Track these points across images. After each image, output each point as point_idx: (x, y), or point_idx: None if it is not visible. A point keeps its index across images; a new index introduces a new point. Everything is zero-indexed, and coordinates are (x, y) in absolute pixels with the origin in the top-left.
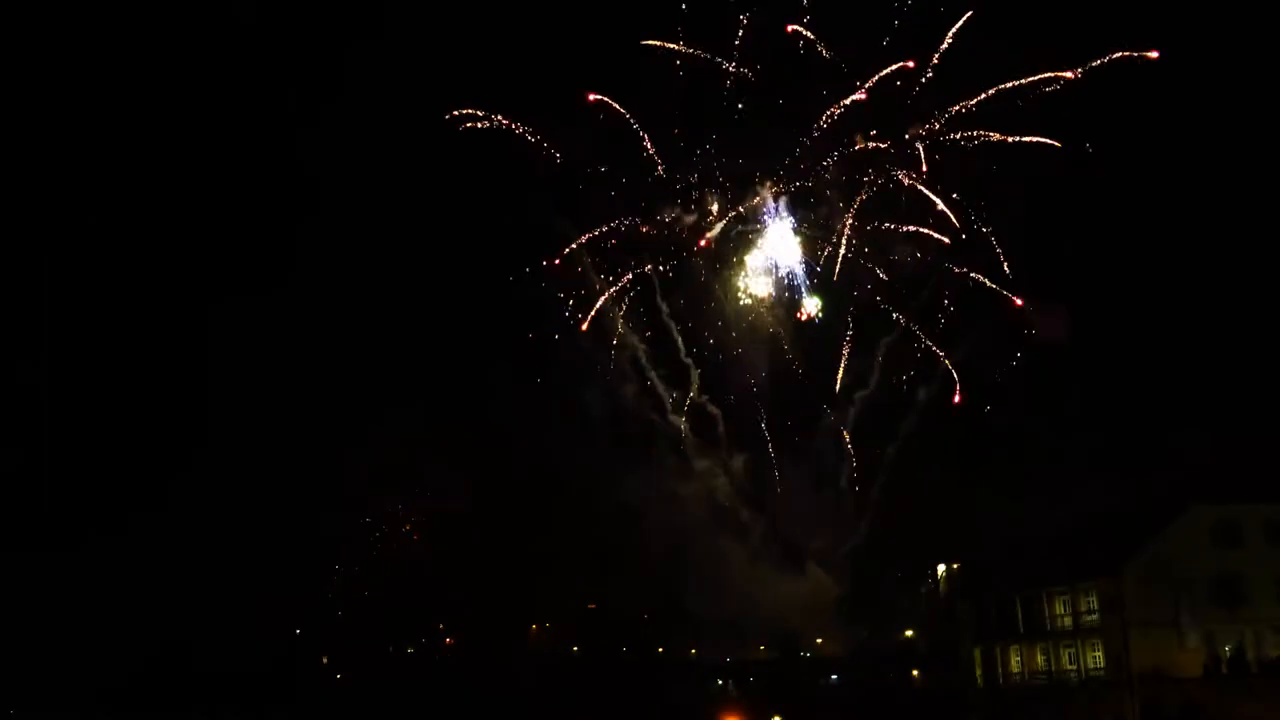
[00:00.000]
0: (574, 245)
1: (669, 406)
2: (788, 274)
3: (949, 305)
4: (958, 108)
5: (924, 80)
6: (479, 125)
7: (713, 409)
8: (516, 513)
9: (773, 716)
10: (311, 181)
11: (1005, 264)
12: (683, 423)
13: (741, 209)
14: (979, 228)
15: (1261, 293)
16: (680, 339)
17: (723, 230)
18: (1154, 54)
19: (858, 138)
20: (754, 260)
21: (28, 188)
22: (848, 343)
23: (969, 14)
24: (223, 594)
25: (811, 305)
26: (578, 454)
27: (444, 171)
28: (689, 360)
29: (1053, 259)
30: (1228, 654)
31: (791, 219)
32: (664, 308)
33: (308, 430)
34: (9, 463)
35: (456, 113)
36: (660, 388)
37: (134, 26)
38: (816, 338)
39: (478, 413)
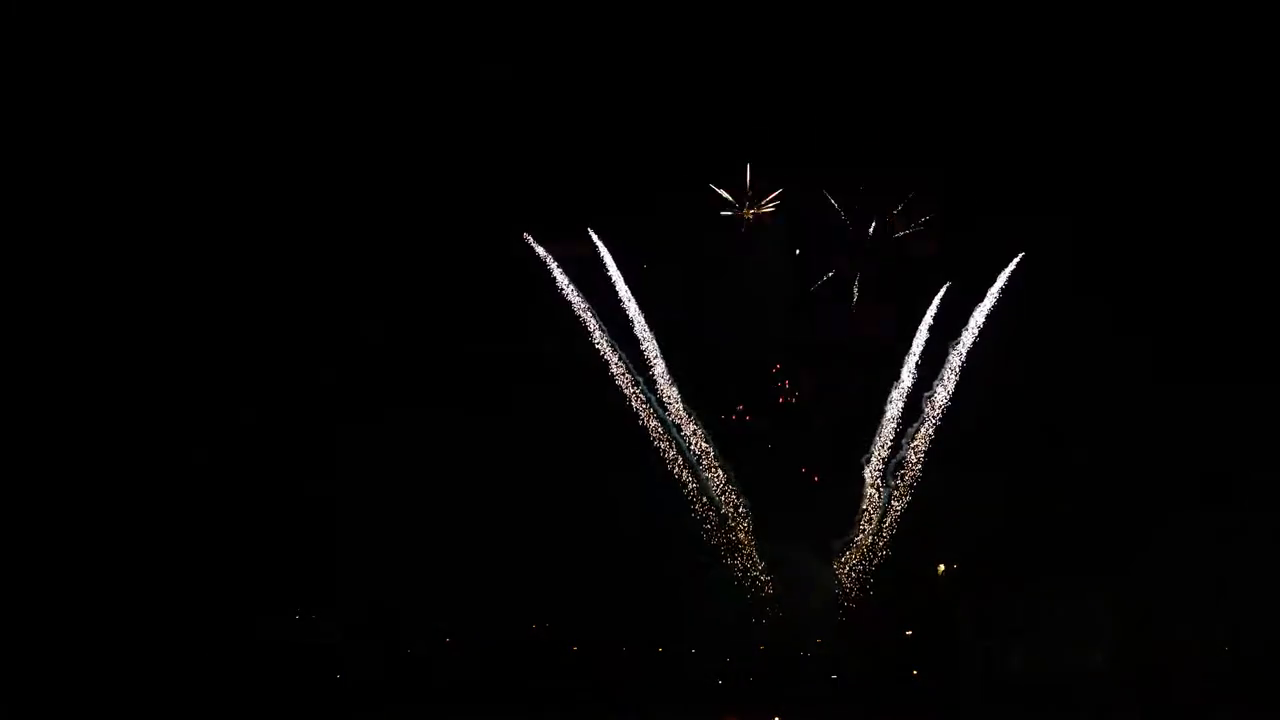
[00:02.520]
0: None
1: (661, 409)
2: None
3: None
4: None
5: None
6: None
7: (706, 412)
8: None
9: (772, 717)
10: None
11: None
12: (676, 424)
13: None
14: None
15: (1261, 295)
16: (669, 347)
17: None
18: None
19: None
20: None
21: None
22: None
23: None
24: (222, 593)
25: None
26: (570, 454)
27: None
28: (680, 367)
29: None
30: (1227, 654)
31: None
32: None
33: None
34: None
35: None
36: (654, 392)
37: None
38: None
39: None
